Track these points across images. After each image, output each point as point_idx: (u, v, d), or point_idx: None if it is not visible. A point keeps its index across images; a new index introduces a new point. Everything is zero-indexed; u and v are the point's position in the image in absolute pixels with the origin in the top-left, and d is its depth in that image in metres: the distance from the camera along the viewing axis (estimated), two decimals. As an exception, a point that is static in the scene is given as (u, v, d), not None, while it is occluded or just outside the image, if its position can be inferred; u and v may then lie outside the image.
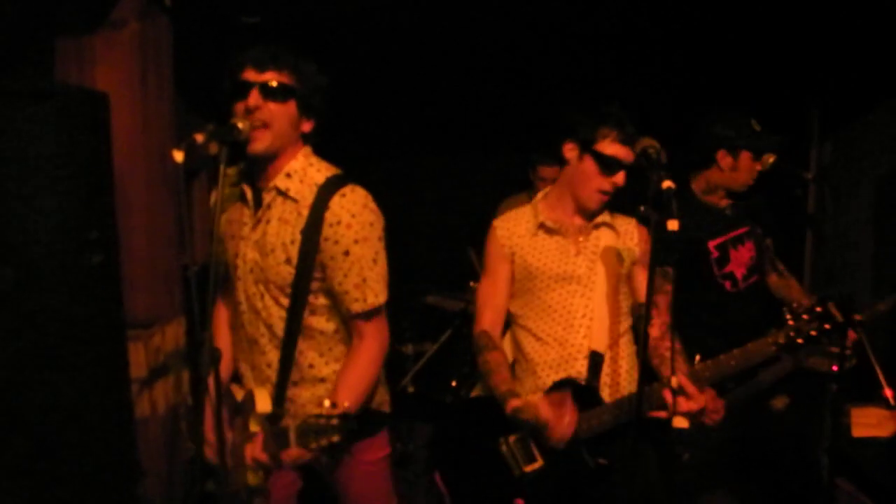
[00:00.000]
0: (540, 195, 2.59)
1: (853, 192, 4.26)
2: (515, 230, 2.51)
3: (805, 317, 2.15)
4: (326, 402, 1.76)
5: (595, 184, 2.36)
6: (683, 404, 2.11)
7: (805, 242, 4.49)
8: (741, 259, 2.95)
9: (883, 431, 2.99)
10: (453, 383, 4.32)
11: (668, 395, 2.12)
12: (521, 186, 4.45)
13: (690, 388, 2.14)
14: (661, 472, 2.46)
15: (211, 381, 1.80)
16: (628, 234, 2.49)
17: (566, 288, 2.42)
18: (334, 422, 1.72)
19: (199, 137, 1.82)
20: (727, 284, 2.93)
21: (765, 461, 3.26)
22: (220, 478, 1.99)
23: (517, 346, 2.53)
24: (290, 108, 2.03)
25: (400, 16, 3.60)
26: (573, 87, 3.93)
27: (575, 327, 2.40)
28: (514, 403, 2.29)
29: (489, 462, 2.39)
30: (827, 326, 2.12)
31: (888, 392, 2.09)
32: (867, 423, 2.98)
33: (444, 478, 2.50)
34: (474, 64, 4.18)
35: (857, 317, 2.41)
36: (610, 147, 2.32)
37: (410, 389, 4.37)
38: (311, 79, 2.06)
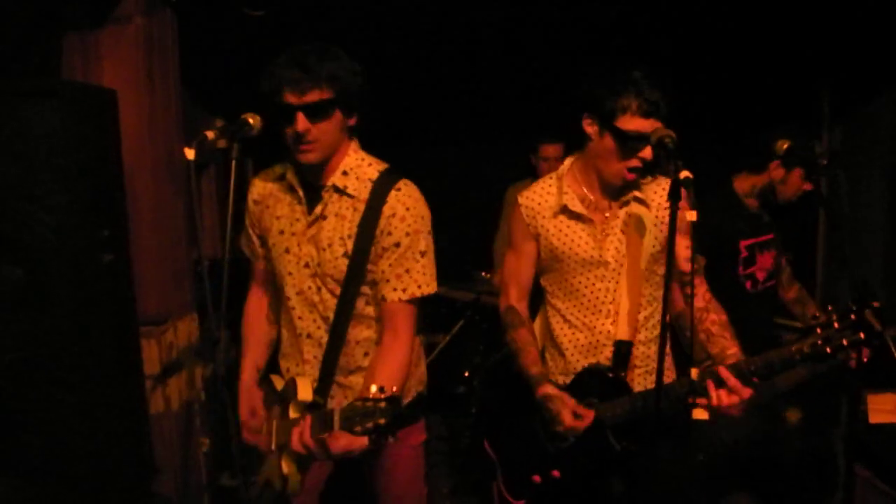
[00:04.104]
0: (567, 163, 2.38)
1: (865, 177, 4.23)
2: (539, 210, 2.35)
3: (837, 325, 1.99)
4: (374, 388, 1.74)
5: (620, 163, 2.17)
6: (725, 398, 2.04)
7: (818, 228, 4.48)
8: (764, 263, 3.04)
9: (899, 418, 2.98)
10: (466, 374, 4.32)
11: (711, 387, 2.05)
12: (527, 172, 4.44)
13: (732, 380, 2.04)
14: (678, 467, 2.42)
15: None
16: (662, 204, 2.29)
17: (593, 272, 2.31)
18: (382, 405, 1.69)
19: (210, 134, 1.82)
20: (748, 284, 3.01)
21: (778, 470, 3.27)
22: (240, 469, 1.99)
23: (548, 325, 2.43)
24: (336, 117, 2.01)
25: (401, 4, 3.57)
26: (576, 71, 3.89)
27: (603, 313, 2.31)
28: (545, 390, 2.25)
29: (529, 434, 2.37)
30: (862, 336, 1.95)
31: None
32: (884, 409, 2.97)
33: (492, 445, 2.51)
34: (475, 54, 4.15)
35: (876, 304, 2.38)
36: (631, 122, 2.10)
37: (422, 381, 4.35)
38: (349, 81, 1.99)
